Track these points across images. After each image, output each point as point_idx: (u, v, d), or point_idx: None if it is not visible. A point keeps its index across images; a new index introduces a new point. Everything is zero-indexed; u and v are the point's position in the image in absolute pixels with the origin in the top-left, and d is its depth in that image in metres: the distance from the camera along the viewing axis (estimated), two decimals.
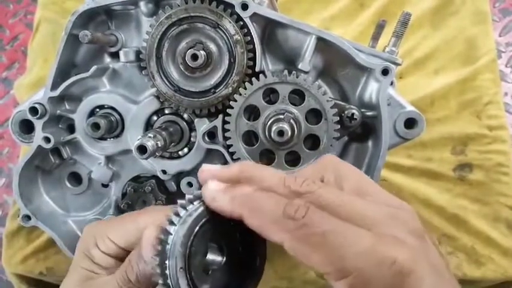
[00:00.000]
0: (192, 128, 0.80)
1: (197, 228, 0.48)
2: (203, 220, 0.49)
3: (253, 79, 0.73)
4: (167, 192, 0.84)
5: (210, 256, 0.51)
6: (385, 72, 0.71)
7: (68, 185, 0.88)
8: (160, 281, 0.47)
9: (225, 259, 0.51)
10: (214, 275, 0.51)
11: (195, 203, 0.50)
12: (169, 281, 0.46)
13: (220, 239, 0.51)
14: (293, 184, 0.47)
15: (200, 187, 0.52)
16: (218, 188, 0.49)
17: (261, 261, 0.53)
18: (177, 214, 0.49)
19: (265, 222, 0.45)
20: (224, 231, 0.51)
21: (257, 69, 0.74)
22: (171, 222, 0.48)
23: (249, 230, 0.47)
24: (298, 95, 0.74)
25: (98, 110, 0.81)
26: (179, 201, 0.50)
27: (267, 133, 0.73)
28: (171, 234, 0.47)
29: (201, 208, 0.49)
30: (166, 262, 0.47)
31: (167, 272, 0.46)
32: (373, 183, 0.51)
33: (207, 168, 0.52)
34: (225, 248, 0.52)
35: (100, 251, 0.62)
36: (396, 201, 0.50)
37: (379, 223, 0.43)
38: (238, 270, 0.52)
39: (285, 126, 0.70)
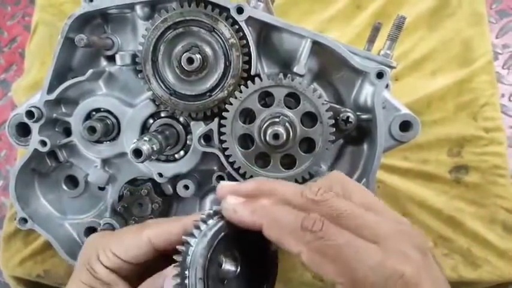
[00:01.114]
0: (188, 131, 0.81)
1: (216, 241, 0.51)
2: (222, 234, 0.51)
3: (249, 82, 0.73)
4: (163, 195, 0.84)
5: (226, 266, 0.53)
6: (379, 75, 0.72)
7: (65, 188, 0.88)
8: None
9: (239, 269, 0.54)
10: (230, 284, 0.53)
11: (214, 218, 0.52)
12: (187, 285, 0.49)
13: (236, 250, 0.54)
14: (309, 193, 0.50)
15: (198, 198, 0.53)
16: (238, 201, 0.51)
17: (274, 271, 0.55)
18: (197, 227, 0.51)
19: (283, 234, 0.48)
20: (239, 243, 0.53)
21: (252, 72, 0.74)
22: (192, 235, 0.51)
23: (262, 241, 0.50)
24: (293, 98, 0.74)
25: (94, 113, 0.81)
26: (200, 216, 0.53)
27: (262, 136, 0.73)
28: (192, 246, 0.50)
29: (221, 222, 0.52)
30: (186, 272, 0.49)
31: (186, 281, 0.49)
32: (378, 200, 0.54)
33: (225, 184, 0.55)
34: (239, 258, 0.54)
35: (102, 265, 0.62)
36: (400, 217, 0.53)
37: (388, 237, 0.46)
38: (252, 279, 0.54)
39: (280, 130, 0.70)
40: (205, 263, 0.49)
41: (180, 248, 0.51)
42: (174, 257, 0.51)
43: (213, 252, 0.50)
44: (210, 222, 0.52)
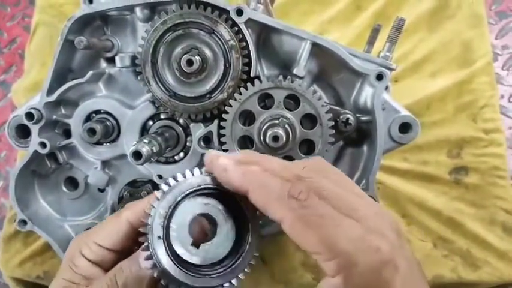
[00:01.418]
0: (187, 133, 0.81)
1: (177, 199, 0.51)
2: (186, 192, 0.51)
3: (249, 84, 0.73)
4: None
5: (200, 229, 0.53)
6: (379, 77, 0.72)
7: (65, 189, 0.88)
8: (146, 258, 0.50)
9: (216, 234, 0.53)
10: (206, 248, 0.52)
11: (179, 178, 0.52)
12: (151, 253, 0.49)
13: (212, 215, 0.53)
14: (295, 168, 0.52)
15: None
16: (229, 162, 0.52)
17: (254, 238, 0.54)
18: (162, 191, 0.51)
19: (270, 200, 0.49)
20: (217, 207, 0.53)
21: (252, 74, 0.74)
22: (156, 199, 0.51)
23: (242, 207, 0.52)
24: (293, 100, 0.74)
25: (94, 115, 0.81)
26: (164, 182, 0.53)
27: (262, 138, 0.73)
28: (154, 207, 0.50)
29: (188, 181, 0.52)
30: (149, 236, 0.49)
31: (150, 246, 0.49)
32: (357, 187, 0.56)
33: (215, 152, 0.56)
34: (218, 223, 0.53)
35: (85, 258, 0.61)
36: (375, 202, 0.56)
37: (367, 217, 0.49)
38: (230, 245, 0.53)
39: (280, 132, 0.70)
40: (164, 222, 0.49)
41: (147, 212, 0.51)
42: (140, 229, 0.51)
43: (176, 211, 0.50)
44: (173, 183, 0.52)
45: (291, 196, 0.48)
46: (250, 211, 0.53)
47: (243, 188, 0.50)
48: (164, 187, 0.52)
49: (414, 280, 0.49)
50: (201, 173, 0.54)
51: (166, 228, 0.50)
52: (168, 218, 0.50)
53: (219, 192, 0.53)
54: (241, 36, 0.72)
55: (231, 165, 0.52)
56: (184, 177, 0.53)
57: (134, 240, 0.61)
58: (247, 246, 0.53)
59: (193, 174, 0.53)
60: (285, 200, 0.48)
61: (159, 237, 0.49)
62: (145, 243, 0.50)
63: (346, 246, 0.46)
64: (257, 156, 0.55)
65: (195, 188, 0.52)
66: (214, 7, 0.71)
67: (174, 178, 0.52)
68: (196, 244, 0.51)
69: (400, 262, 0.47)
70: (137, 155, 0.67)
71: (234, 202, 0.53)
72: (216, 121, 0.77)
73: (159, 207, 0.50)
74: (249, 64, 0.73)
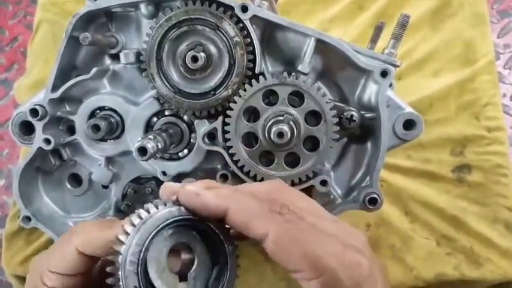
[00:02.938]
0: (192, 130, 0.81)
1: (152, 234, 0.48)
2: (160, 225, 0.48)
3: (253, 81, 0.73)
4: None
5: (177, 261, 0.51)
6: (384, 74, 0.72)
7: (68, 186, 0.88)
8: None
9: (195, 264, 0.51)
10: (190, 279, 0.50)
11: (151, 210, 0.50)
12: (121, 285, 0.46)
13: (188, 244, 0.51)
14: (263, 189, 0.52)
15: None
16: (198, 186, 0.50)
17: (233, 262, 0.52)
18: (132, 224, 0.48)
19: (251, 216, 0.48)
20: (191, 235, 0.51)
21: (257, 71, 0.74)
22: (126, 232, 0.48)
23: (217, 232, 0.50)
24: (297, 97, 0.74)
25: (98, 111, 0.81)
26: (130, 215, 0.50)
27: (266, 135, 0.73)
28: (124, 244, 0.47)
29: (161, 212, 0.49)
30: (120, 273, 0.46)
31: (120, 277, 0.46)
32: (318, 204, 0.57)
33: (170, 184, 0.54)
34: (195, 252, 0.51)
35: (47, 287, 0.56)
36: (343, 221, 0.57)
37: (341, 234, 0.50)
38: (211, 272, 0.52)
39: (285, 128, 0.70)
40: (139, 258, 0.46)
41: (113, 248, 0.48)
42: (108, 269, 0.48)
43: (151, 246, 0.47)
44: (145, 215, 0.49)
45: (273, 211, 0.48)
46: (225, 234, 0.51)
47: (220, 208, 0.48)
48: (135, 220, 0.49)
49: None
50: (165, 205, 0.51)
51: (142, 263, 0.47)
52: (144, 251, 0.47)
53: (189, 221, 0.50)
54: (246, 32, 0.72)
55: (202, 189, 0.50)
56: (156, 209, 0.50)
57: (91, 261, 0.56)
58: (228, 272, 0.51)
59: (157, 208, 0.50)
60: (267, 216, 0.47)
61: (134, 272, 0.46)
62: (112, 279, 0.47)
63: (330, 262, 0.46)
64: (220, 184, 0.54)
65: (169, 221, 0.49)
66: (219, 4, 0.71)
67: (147, 210, 0.50)
68: (179, 276, 0.50)
69: (378, 275, 0.49)
70: (142, 150, 0.67)
71: (206, 229, 0.51)
72: (220, 118, 0.77)
73: (132, 241, 0.47)
74: (253, 61, 0.74)
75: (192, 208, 0.50)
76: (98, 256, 0.55)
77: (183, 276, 0.50)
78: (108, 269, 0.48)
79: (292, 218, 0.48)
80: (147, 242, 0.47)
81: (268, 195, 0.51)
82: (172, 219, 0.49)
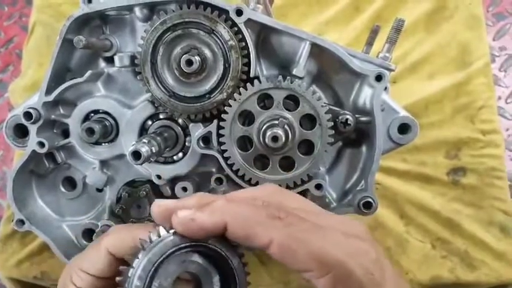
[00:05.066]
0: (186, 133, 0.80)
1: (158, 261, 0.47)
2: (167, 252, 0.48)
3: (248, 84, 0.73)
4: (162, 197, 0.84)
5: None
6: (378, 78, 0.72)
7: (63, 189, 0.88)
8: None
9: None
10: None
11: (162, 234, 0.49)
12: None
13: (193, 268, 0.50)
14: (258, 194, 0.52)
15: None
16: (190, 210, 0.48)
17: (241, 275, 0.51)
18: (142, 247, 0.48)
19: (251, 226, 0.47)
20: (194, 260, 0.50)
21: (252, 74, 0.74)
22: (135, 255, 0.48)
23: (219, 250, 0.49)
24: (292, 101, 0.74)
25: (92, 114, 0.81)
26: (141, 237, 0.50)
27: (261, 138, 0.73)
28: (133, 267, 0.47)
29: (168, 239, 0.48)
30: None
31: None
32: (314, 204, 0.57)
33: (163, 203, 0.52)
34: (199, 276, 0.50)
35: (75, 286, 0.57)
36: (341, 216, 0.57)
37: (343, 226, 0.50)
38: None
39: (279, 132, 0.70)
40: (144, 284, 0.46)
41: (121, 268, 0.48)
42: (117, 279, 0.48)
43: (158, 272, 0.47)
44: (155, 239, 0.48)
45: (273, 217, 0.47)
46: (228, 249, 0.49)
47: (218, 226, 0.47)
48: (145, 243, 0.48)
49: (397, 278, 0.50)
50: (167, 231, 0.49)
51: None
52: (150, 279, 0.47)
53: (189, 248, 0.49)
54: (240, 36, 0.72)
55: (196, 213, 0.48)
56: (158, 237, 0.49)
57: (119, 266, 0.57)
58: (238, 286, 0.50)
59: (159, 237, 0.49)
60: (267, 222, 0.46)
61: None
62: None
63: (336, 255, 0.45)
64: (212, 196, 0.53)
65: (166, 254, 0.48)
66: (214, 7, 0.71)
67: (159, 235, 0.49)
68: None
69: (385, 262, 0.49)
70: (136, 154, 0.67)
71: (208, 250, 0.50)
72: (215, 121, 0.77)
73: (139, 266, 0.47)
74: (248, 64, 0.73)
75: (191, 235, 0.48)
76: (127, 260, 0.55)
77: None
78: (117, 279, 0.49)
79: (292, 220, 0.47)
80: (151, 274, 0.47)
81: (263, 200, 0.50)
82: (170, 252, 0.48)
